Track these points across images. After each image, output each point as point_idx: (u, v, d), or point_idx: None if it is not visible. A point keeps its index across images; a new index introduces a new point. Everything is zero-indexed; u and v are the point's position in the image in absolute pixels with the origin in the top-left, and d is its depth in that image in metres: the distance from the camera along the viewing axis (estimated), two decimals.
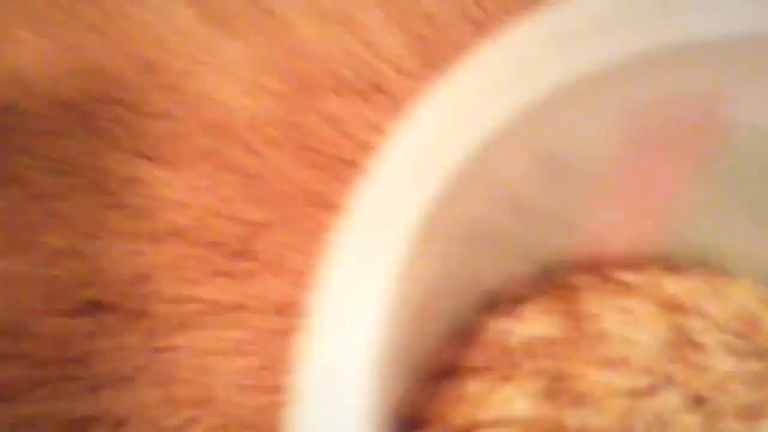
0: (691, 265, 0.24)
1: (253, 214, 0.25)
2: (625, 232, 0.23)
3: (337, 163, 0.25)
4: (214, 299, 0.24)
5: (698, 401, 0.21)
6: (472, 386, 0.21)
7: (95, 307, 0.23)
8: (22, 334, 0.23)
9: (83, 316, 0.23)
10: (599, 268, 0.23)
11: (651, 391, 0.21)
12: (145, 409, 0.22)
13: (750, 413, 0.21)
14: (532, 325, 0.22)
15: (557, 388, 0.21)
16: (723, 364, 0.21)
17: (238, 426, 0.22)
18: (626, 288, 0.23)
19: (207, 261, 0.24)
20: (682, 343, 0.22)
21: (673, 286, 0.23)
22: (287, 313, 0.24)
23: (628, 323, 0.22)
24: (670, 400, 0.21)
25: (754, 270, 0.24)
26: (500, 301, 0.22)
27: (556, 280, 0.23)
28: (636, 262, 0.24)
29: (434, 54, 0.26)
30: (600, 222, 0.22)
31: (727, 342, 0.22)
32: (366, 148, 0.25)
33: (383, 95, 0.25)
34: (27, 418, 0.22)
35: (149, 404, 0.22)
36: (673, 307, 0.23)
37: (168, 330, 0.23)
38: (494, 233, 0.20)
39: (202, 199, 0.25)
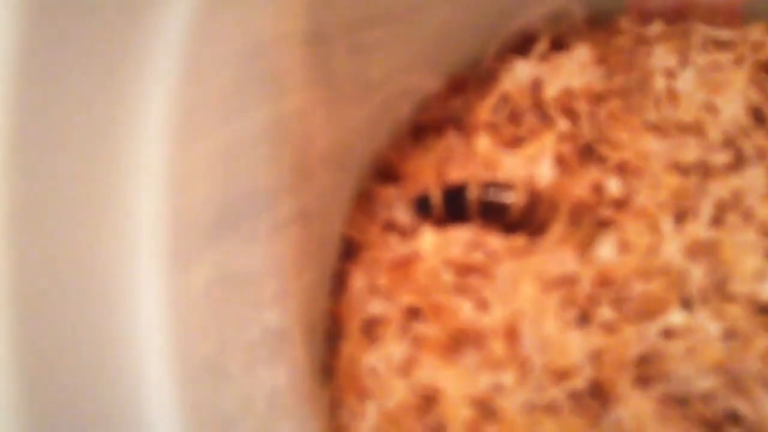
0: None
1: None
2: None
3: None
4: None
5: None
6: (483, 143, 0.16)
7: None
8: None
9: None
10: (680, 19, 0.18)
11: (728, 168, 0.15)
12: None
13: None
14: (573, 73, 0.16)
15: (593, 155, 0.16)
16: None
17: None
18: (714, 44, 0.17)
19: None
20: None
21: None
22: None
23: (711, 85, 0.16)
24: (752, 182, 0.15)
25: None
26: (533, 44, 0.17)
27: (614, 25, 0.17)
28: (731, 17, 0.18)
29: None
30: None
31: None
32: None
33: None
34: None
35: None
36: None
37: None
38: None
39: None
